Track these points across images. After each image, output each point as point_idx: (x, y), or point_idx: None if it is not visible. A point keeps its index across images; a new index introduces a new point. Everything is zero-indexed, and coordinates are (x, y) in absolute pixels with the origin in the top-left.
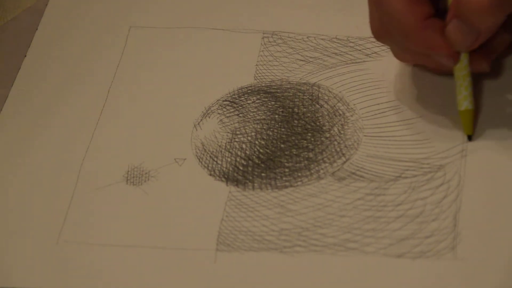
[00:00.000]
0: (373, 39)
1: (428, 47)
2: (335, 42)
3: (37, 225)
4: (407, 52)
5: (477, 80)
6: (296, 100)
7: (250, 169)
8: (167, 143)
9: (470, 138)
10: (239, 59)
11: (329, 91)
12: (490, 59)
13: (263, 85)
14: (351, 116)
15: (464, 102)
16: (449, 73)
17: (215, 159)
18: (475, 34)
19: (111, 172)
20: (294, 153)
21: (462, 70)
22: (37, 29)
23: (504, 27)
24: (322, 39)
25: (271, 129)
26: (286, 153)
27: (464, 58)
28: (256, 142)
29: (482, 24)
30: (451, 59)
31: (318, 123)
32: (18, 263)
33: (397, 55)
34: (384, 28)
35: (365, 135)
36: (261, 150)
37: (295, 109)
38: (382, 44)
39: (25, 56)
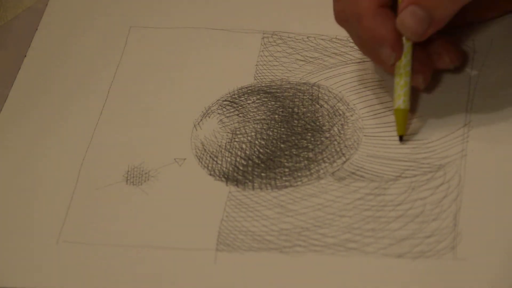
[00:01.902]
0: None
1: (375, 35)
2: (335, 42)
3: (37, 225)
4: (358, 41)
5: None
6: (296, 100)
7: (250, 169)
8: (167, 143)
9: (401, 138)
10: (239, 59)
11: (329, 91)
12: (428, 74)
13: (263, 85)
14: (351, 116)
15: (398, 101)
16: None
17: (215, 159)
18: (427, 21)
19: (111, 172)
20: (294, 153)
21: (400, 68)
22: (37, 29)
23: (444, 48)
24: (322, 39)
25: (271, 129)
26: (286, 153)
27: (405, 57)
28: (256, 142)
29: (439, 11)
30: (393, 55)
31: (318, 123)
32: (18, 263)
33: (355, 43)
34: (344, 11)
35: (365, 135)
36: (261, 150)
37: (295, 109)
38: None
39: (25, 56)
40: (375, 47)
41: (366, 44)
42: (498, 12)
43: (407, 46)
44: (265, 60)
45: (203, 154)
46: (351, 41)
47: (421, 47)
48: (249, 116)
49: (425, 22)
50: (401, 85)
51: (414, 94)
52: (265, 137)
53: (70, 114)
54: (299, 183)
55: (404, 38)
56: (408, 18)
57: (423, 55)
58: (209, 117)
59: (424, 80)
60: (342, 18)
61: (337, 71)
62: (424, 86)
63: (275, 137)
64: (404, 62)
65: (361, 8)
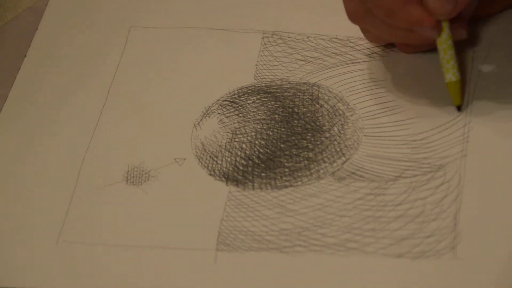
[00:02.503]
0: None
1: (413, 21)
2: (335, 42)
3: (37, 225)
4: (388, 31)
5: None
6: (296, 100)
7: (250, 169)
8: (167, 143)
9: (459, 108)
10: (239, 59)
11: (329, 91)
12: (465, 25)
13: (263, 85)
14: (351, 116)
15: (447, 74)
16: (427, 49)
17: (215, 159)
18: (453, 1)
19: (111, 172)
20: (294, 153)
21: (443, 43)
22: (37, 29)
23: None
24: (322, 39)
25: (271, 129)
26: (286, 153)
27: (444, 31)
28: (256, 142)
29: None
30: (435, 30)
31: (318, 123)
32: (18, 263)
33: (372, 36)
34: (364, 8)
35: (365, 135)
36: (261, 150)
37: (295, 109)
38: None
39: (25, 56)
40: (414, 31)
41: (400, 31)
42: (500, 7)
43: (443, 22)
44: (265, 60)
45: (203, 154)
46: (351, 41)
47: None
48: (249, 116)
49: (450, 2)
50: (446, 59)
51: (414, 94)
52: (265, 137)
53: (70, 114)
54: (299, 183)
55: None
56: (434, 1)
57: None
58: (209, 117)
59: (465, 31)
60: (361, 15)
61: (337, 71)
62: (467, 36)
63: (275, 137)
64: (445, 37)
65: (391, 2)
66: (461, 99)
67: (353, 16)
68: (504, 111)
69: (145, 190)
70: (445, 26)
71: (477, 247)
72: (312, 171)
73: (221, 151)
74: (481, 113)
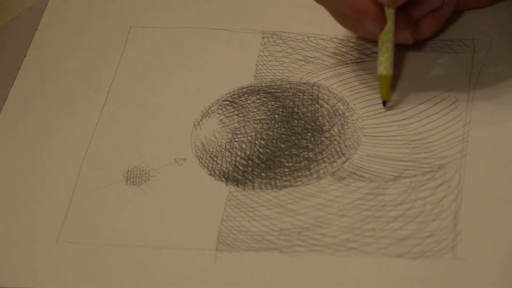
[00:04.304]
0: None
1: (358, 9)
2: (335, 42)
3: (37, 225)
4: (340, 16)
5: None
6: (296, 100)
7: (250, 169)
8: (167, 143)
9: (384, 103)
10: (239, 59)
11: (329, 91)
12: (413, 29)
13: (263, 85)
14: (351, 116)
15: (380, 67)
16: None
17: (215, 159)
18: None
19: (111, 172)
20: (294, 153)
21: (383, 35)
22: (37, 29)
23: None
24: (322, 39)
25: (271, 129)
26: (286, 153)
27: (387, 25)
28: (256, 142)
29: None
30: (377, 24)
31: (318, 123)
32: (18, 263)
33: (335, 18)
34: None
35: (365, 135)
36: (261, 150)
37: (295, 109)
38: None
39: (25, 56)
40: (358, 21)
41: (348, 18)
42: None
43: (388, 13)
44: (265, 60)
45: (203, 154)
46: (351, 41)
47: (403, 9)
48: (249, 116)
49: None
50: (382, 51)
51: (414, 93)
52: (265, 137)
53: (70, 114)
54: (299, 183)
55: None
56: None
57: (406, 16)
58: (209, 117)
59: (411, 35)
60: None
61: (337, 71)
62: (412, 41)
63: (275, 137)
64: (386, 29)
65: None
66: (387, 95)
67: None
68: (504, 111)
69: (145, 190)
70: (389, 18)
71: (477, 247)
72: (312, 171)
73: (221, 151)
74: (481, 113)
